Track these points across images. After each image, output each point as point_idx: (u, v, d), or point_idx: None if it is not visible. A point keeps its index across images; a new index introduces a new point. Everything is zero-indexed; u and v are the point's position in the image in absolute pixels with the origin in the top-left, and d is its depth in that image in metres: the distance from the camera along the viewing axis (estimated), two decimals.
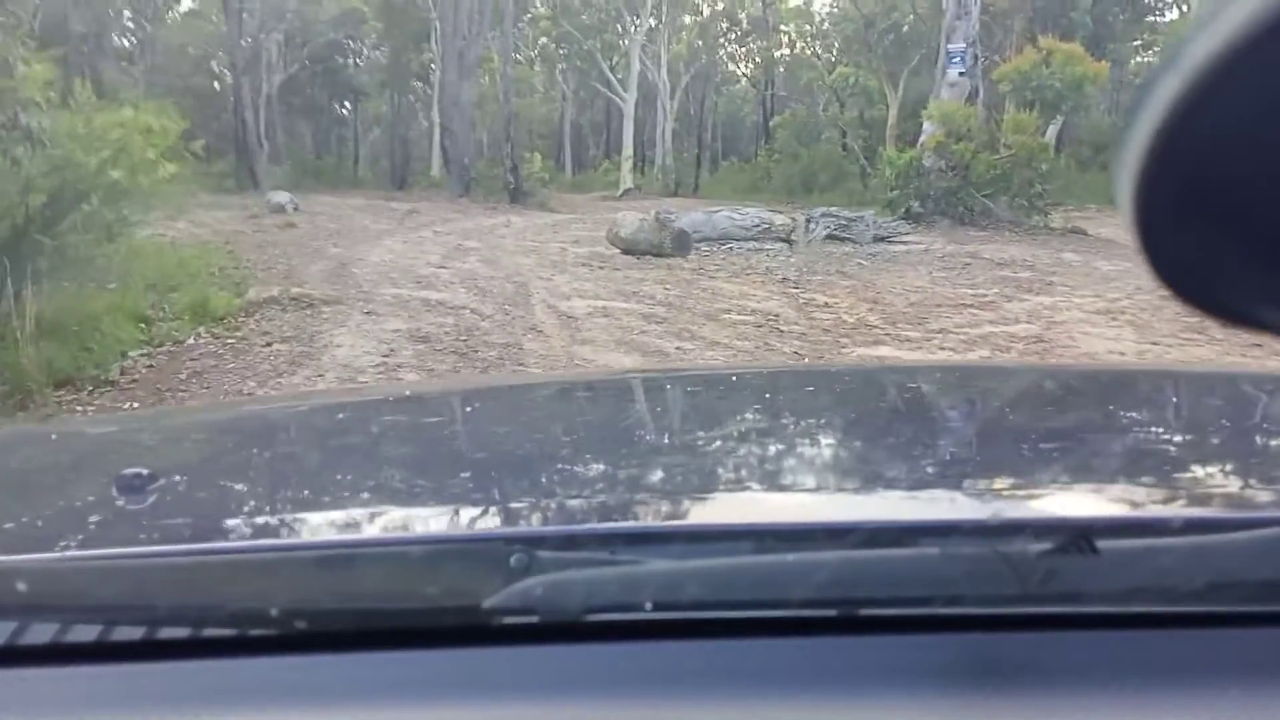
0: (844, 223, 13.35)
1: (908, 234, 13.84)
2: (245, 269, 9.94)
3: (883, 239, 13.39)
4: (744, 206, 14.50)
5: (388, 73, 35.58)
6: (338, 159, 40.61)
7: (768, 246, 12.86)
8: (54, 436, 1.51)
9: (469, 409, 1.56)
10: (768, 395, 1.60)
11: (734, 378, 1.88)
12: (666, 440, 1.25)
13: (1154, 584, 0.65)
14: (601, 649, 0.66)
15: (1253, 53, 0.31)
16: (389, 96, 36.34)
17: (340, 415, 1.48)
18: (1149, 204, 0.36)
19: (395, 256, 11.49)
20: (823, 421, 1.38)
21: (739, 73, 40.92)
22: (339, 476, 1.07)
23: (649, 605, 0.64)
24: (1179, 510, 0.82)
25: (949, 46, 16.11)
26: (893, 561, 0.68)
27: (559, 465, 1.11)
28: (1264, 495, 0.96)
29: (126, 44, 36.34)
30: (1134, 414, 1.44)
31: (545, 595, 0.64)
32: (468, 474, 1.08)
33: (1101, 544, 0.63)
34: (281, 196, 16.85)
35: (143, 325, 7.14)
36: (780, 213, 13.86)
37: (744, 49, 38.44)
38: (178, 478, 1.02)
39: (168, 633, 0.68)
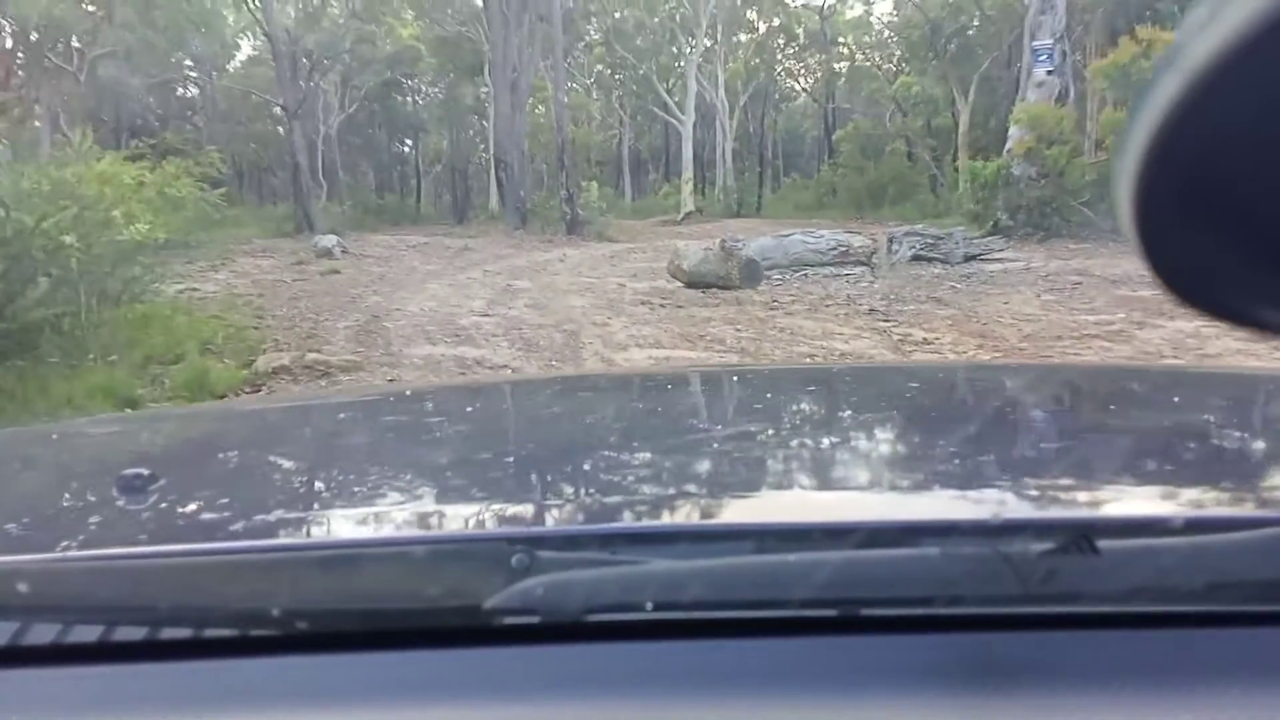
0: (930, 241, 11.86)
1: (1001, 250, 12.31)
2: (267, 328, 8.80)
3: (974, 257, 11.88)
4: (818, 228, 13.07)
5: (444, 108, 34.90)
6: (400, 196, 40.14)
7: (847, 271, 11.43)
8: (55, 436, 1.46)
9: (469, 409, 1.53)
10: (768, 395, 1.56)
11: (734, 378, 1.84)
12: (667, 440, 1.18)
13: (1154, 584, 0.63)
14: (602, 649, 0.64)
15: (1252, 52, 0.30)
16: (447, 131, 35.64)
17: (340, 415, 1.47)
18: (1149, 204, 0.36)
19: (437, 304, 10.30)
20: (823, 421, 1.35)
21: (797, 88, 39.63)
22: (339, 476, 1.06)
23: (650, 605, 0.63)
24: (1179, 510, 0.78)
25: (1034, 44, 14.55)
26: (893, 561, 0.66)
27: (560, 465, 1.07)
28: (1264, 495, 0.91)
29: (190, 94, 36.24)
30: (1134, 414, 1.37)
31: (546, 595, 0.63)
32: (468, 474, 1.04)
33: (1102, 544, 0.62)
34: (328, 240, 15.83)
35: (129, 409, 5.99)
36: (857, 233, 12.40)
37: (802, 64, 37.13)
38: (178, 478, 1.01)
39: (169, 633, 0.67)
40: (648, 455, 1.10)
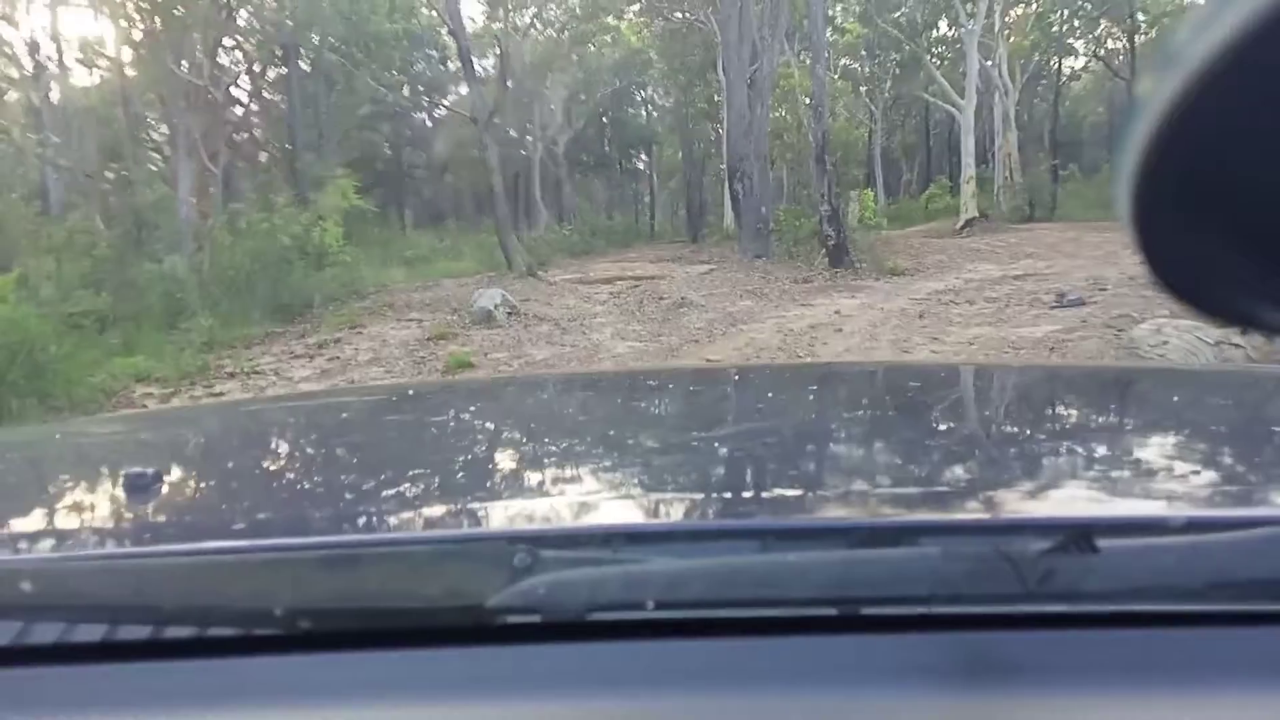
0: None
1: None
2: None
3: None
4: None
5: (674, 115, 29.04)
6: (634, 214, 34.91)
7: None
8: (58, 436, 1.40)
9: (471, 408, 1.44)
10: (768, 395, 1.46)
11: (735, 377, 1.74)
12: (668, 439, 1.11)
13: (1154, 583, 0.60)
14: (604, 648, 0.61)
15: (1251, 53, 0.28)
16: (679, 142, 29.74)
17: (342, 414, 1.38)
18: (1148, 205, 0.34)
19: None
20: (823, 421, 1.26)
21: (1075, 69, 30.92)
22: (341, 475, 1.00)
23: (651, 604, 0.60)
24: (1179, 509, 0.73)
25: None
26: (893, 561, 0.63)
27: (561, 464, 1.01)
28: (1264, 495, 0.84)
29: (424, 120, 32.31)
30: (1134, 414, 1.29)
31: (548, 594, 0.60)
32: (470, 473, 0.99)
33: (1102, 543, 0.59)
34: (491, 297, 10.00)
35: None
36: None
37: (1089, 36, 28.52)
38: (181, 477, 0.97)
39: (171, 632, 0.64)
40: (649, 454, 1.02)
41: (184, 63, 12.19)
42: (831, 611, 0.61)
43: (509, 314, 9.82)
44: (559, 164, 29.81)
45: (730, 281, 12.09)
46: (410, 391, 1.78)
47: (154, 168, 15.96)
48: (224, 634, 0.63)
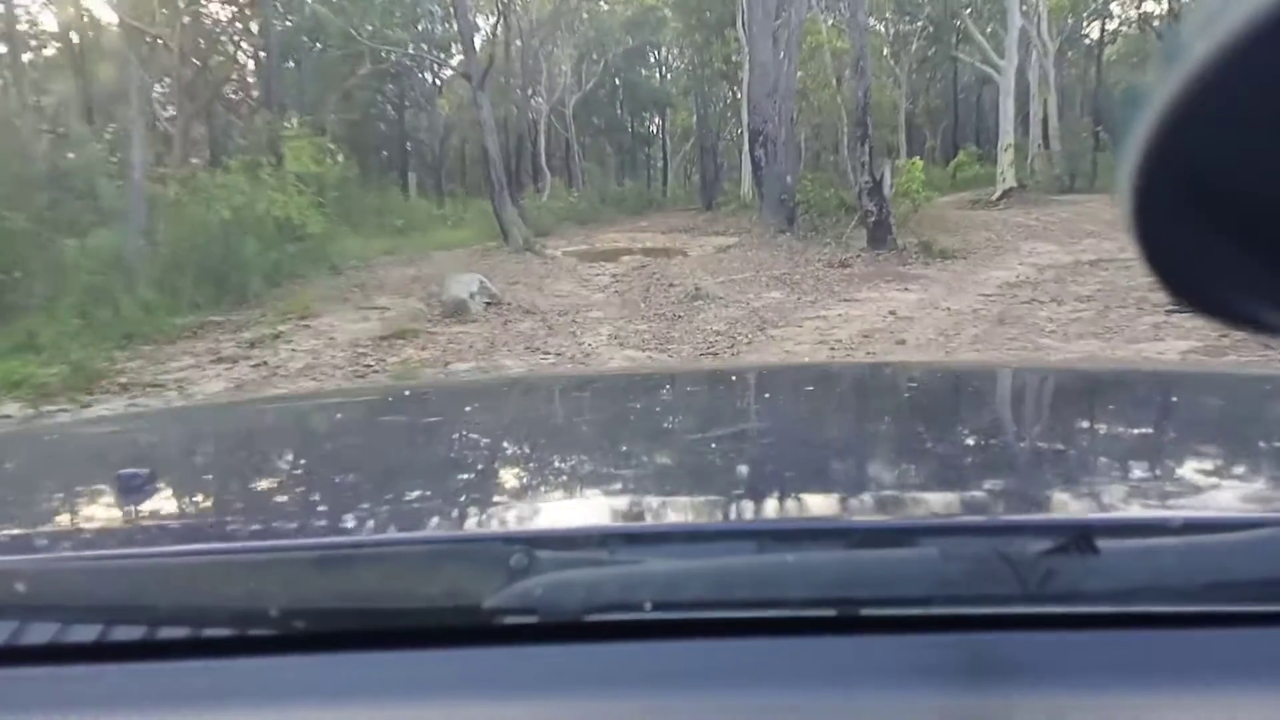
0: None
1: None
2: None
3: None
4: None
5: (689, 75, 26.81)
6: (645, 179, 32.78)
7: None
8: (54, 436, 1.36)
9: (469, 409, 1.38)
10: (768, 395, 1.41)
11: (734, 377, 1.65)
12: (665, 440, 1.08)
13: (1154, 583, 0.59)
14: (601, 649, 0.60)
15: (1254, 51, 0.27)
16: (694, 104, 27.53)
17: (340, 415, 1.34)
18: (1148, 203, 0.33)
19: None
20: (822, 421, 1.23)
21: (1109, 31, 28.56)
22: (339, 476, 0.97)
23: (649, 605, 0.58)
24: (1179, 510, 0.72)
25: None
26: (892, 561, 0.61)
27: (559, 465, 0.99)
28: (1264, 495, 0.82)
29: (433, 80, 30.14)
30: (1134, 414, 1.24)
31: (545, 595, 0.58)
32: (468, 474, 0.96)
33: (1101, 543, 0.57)
34: (467, 285, 8.11)
35: None
36: None
37: (1119, 3, 26.13)
38: (177, 477, 0.95)
39: (167, 632, 0.63)
40: (647, 455, 0.99)
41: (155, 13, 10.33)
42: (831, 612, 0.59)
43: (487, 304, 7.95)
44: (567, 127, 27.67)
45: (753, 262, 10.16)
46: (406, 393, 1.71)
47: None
48: (219, 634, 0.61)
